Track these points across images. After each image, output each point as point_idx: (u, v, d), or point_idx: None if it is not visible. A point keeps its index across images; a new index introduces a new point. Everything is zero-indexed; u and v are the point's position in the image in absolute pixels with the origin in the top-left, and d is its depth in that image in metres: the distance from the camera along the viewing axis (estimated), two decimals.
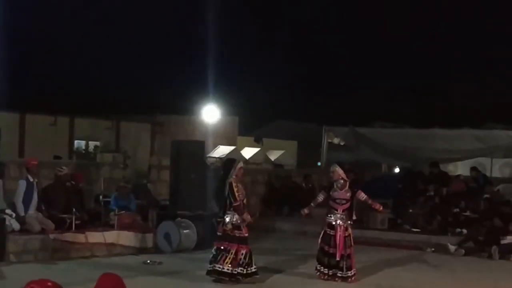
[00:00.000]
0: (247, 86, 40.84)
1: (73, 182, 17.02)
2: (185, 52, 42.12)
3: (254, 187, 22.27)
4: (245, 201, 12.09)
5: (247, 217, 11.94)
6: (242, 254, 11.78)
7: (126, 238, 16.11)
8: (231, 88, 34.90)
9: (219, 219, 12.15)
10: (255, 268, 11.95)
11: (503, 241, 16.57)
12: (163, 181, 19.61)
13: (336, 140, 24.61)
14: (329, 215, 12.71)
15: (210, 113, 27.45)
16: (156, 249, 15.53)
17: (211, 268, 11.87)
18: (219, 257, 11.76)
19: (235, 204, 11.85)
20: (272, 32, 44.82)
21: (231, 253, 11.72)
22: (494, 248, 16.42)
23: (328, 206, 12.78)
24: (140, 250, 15.49)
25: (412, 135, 22.94)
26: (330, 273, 12.56)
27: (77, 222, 15.59)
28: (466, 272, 14.53)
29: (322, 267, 12.61)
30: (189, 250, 15.58)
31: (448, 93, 41.01)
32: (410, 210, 20.24)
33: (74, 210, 15.53)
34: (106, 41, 41.24)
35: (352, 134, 23.95)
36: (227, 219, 11.83)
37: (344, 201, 12.74)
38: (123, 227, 16.43)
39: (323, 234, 12.70)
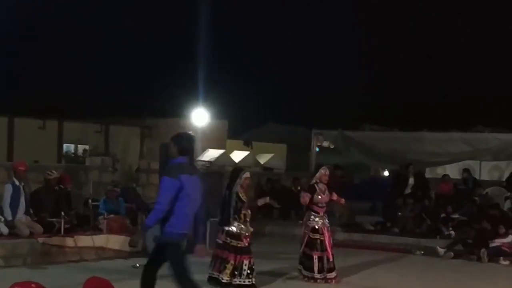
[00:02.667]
0: (236, 90, 40.84)
1: (61, 186, 16.99)
2: (175, 55, 42.13)
3: None
4: (248, 211, 12.03)
5: (261, 200, 12.47)
6: (246, 264, 11.75)
7: (115, 241, 16.07)
8: (220, 91, 34.87)
9: (220, 227, 12.05)
10: (251, 281, 11.88)
11: (492, 244, 16.62)
12: (152, 184, 19.58)
13: (325, 143, 24.62)
14: (312, 219, 12.71)
15: (199, 117, 27.42)
16: (146, 253, 15.46)
17: (212, 275, 11.82)
18: (221, 267, 11.72)
19: (246, 204, 11.89)
20: (262, 34, 44.84)
21: (230, 264, 11.70)
22: (483, 251, 16.46)
23: (309, 209, 12.77)
24: (129, 254, 15.43)
25: (401, 138, 22.98)
26: (322, 277, 12.58)
27: (66, 226, 15.55)
28: (454, 275, 14.56)
29: (313, 273, 12.60)
30: None
31: (437, 96, 41.12)
32: (399, 213, 20.29)
33: (62, 214, 15.49)
34: (96, 44, 41.17)
35: (341, 138, 23.97)
36: (230, 229, 11.80)
37: (325, 204, 12.83)
38: (112, 230, 16.41)
39: (308, 239, 12.68)
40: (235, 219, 11.77)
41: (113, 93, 37.64)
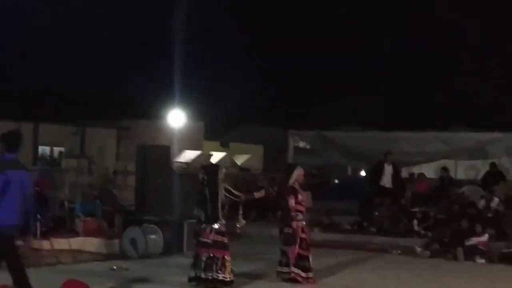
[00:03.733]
0: (213, 91, 40.79)
1: (37, 189, 16.87)
2: (151, 56, 41.96)
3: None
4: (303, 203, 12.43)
5: (259, 193, 12.85)
6: (228, 259, 11.78)
7: (92, 244, 16.00)
8: (197, 93, 34.81)
9: (204, 226, 11.99)
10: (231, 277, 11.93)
11: (468, 243, 16.72)
12: (129, 186, 19.53)
13: (301, 144, 24.64)
14: (299, 219, 12.72)
15: (176, 118, 27.37)
16: (123, 255, 15.41)
17: (210, 277, 11.71)
18: (218, 266, 11.68)
19: (242, 199, 12.06)
20: (239, 37, 44.81)
21: (226, 260, 11.70)
22: (459, 250, 16.56)
23: (294, 209, 12.75)
24: (106, 256, 15.36)
25: (378, 138, 23.06)
26: (305, 276, 12.62)
27: (42, 229, 15.43)
28: (431, 273, 14.63)
29: (301, 271, 12.61)
30: (155, 255, 15.49)
31: (413, 96, 41.33)
32: (376, 213, 20.36)
33: (39, 216, 15.37)
34: (71, 45, 40.92)
35: (318, 138, 24.01)
36: (217, 226, 11.79)
37: (304, 203, 12.87)
38: (88, 233, 16.33)
39: (300, 240, 12.68)
40: (223, 215, 11.83)
41: (89, 95, 37.45)
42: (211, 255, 11.73)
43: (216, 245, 11.76)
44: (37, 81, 37.79)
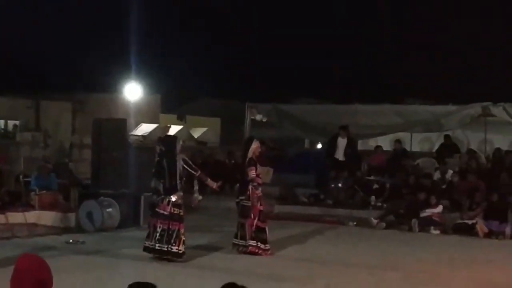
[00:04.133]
0: (169, 64, 40.53)
1: None
2: (106, 29, 41.49)
3: None
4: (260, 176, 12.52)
5: (212, 182, 12.52)
6: (183, 232, 11.79)
7: (48, 218, 15.90)
8: (153, 65, 34.58)
9: (161, 198, 11.96)
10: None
11: (423, 214, 16.94)
12: (85, 160, 19.35)
13: (258, 117, 24.63)
14: (258, 191, 12.77)
15: (132, 91, 27.17)
16: (79, 229, 15.33)
17: (165, 249, 11.72)
18: (172, 239, 11.68)
19: (198, 175, 12.05)
20: (195, 9, 44.51)
21: (181, 233, 11.71)
22: (414, 221, 16.78)
23: (253, 181, 12.77)
24: (63, 230, 15.27)
25: (334, 111, 23.15)
26: (262, 248, 12.69)
27: None
28: (387, 245, 14.81)
29: (260, 243, 12.67)
30: (112, 228, 15.44)
31: (369, 69, 41.56)
32: (332, 185, 20.50)
33: None
34: (25, 17, 40.29)
35: (275, 111, 24.02)
36: (174, 198, 11.78)
37: (261, 176, 12.96)
38: (44, 207, 16.20)
39: (256, 211, 12.71)
40: (181, 187, 11.83)
41: (44, 68, 36.95)
42: (167, 227, 11.74)
43: (173, 217, 11.78)
44: None
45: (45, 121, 27.52)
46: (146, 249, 11.94)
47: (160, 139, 12.78)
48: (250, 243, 12.63)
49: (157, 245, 11.76)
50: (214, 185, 12.99)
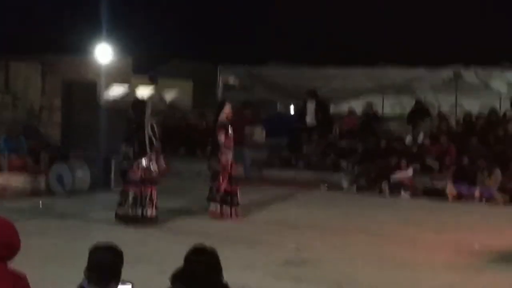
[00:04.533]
0: (141, 25, 40.11)
1: None
2: None
3: None
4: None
5: (161, 164, 11.92)
6: (155, 195, 11.75)
7: (17, 180, 15.78)
8: (125, 27, 34.16)
9: (131, 163, 11.88)
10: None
11: (393, 178, 17.04)
12: (54, 122, 19.18)
13: (231, 80, 24.54)
14: (227, 154, 12.71)
15: (103, 53, 26.86)
16: (49, 191, 15.24)
17: (139, 214, 11.69)
18: (143, 203, 11.62)
19: (157, 146, 11.86)
20: None
21: (153, 196, 11.66)
22: (385, 184, 16.88)
23: (223, 145, 12.71)
24: (32, 193, 15.17)
25: (306, 74, 23.10)
26: (233, 211, 12.69)
27: None
28: (357, 208, 14.91)
29: (225, 207, 12.66)
30: (82, 191, 15.37)
31: (341, 32, 41.45)
32: (304, 149, 20.52)
33: None
34: None
35: (247, 74, 23.95)
36: (145, 162, 11.71)
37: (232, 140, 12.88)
38: (13, 169, 16.06)
39: (225, 174, 12.67)
40: (150, 151, 11.75)
41: (13, 29, 36.43)
42: (140, 191, 11.69)
43: (144, 181, 11.72)
44: None
45: (14, 83, 27.14)
46: (118, 217, 11.86)
47: (131, 103, 12.69)
48: (216, 207, 12.64)
49: (130, 210, 11.71)
50: (161, 167, 12.26)
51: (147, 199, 11.70)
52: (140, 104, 12.39)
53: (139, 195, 11.69)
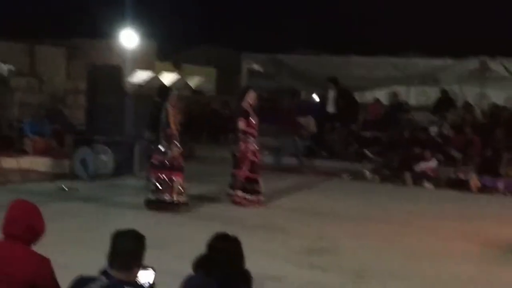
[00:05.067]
0: (166, 11, 40.16)
1: None
2: None
3: None
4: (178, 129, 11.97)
5: (174, 149, 11.82)
6: (179, 182, 11.75)
7: (41, 163, 15.89)
8: (149, 12, 34.22)
9: (154, 148, 11.96)
10: (186, 198, 11.96)
11: (417, 168, 16.96)
12: (79, 106, 19.27)
13: (255, 67, 24.52)
14: (250, 142, 12.69)
15: (128, 38, 26.95)
16: (72, 175, 15.32)
17: (154, 199, 11.73)
18: (162, 187, 11.66)
19: (171, 133, 11.78)
20: None
21: (173, 182, 11.67)
22: (407, 175, 16.81)
23: (244, 132, 12.69)
24: (56, 176, 15.26)
25: (331, 63, 23.04)
26: (255, 199, 12.69)
27: None
28: (379, 197, 14.85)
29: (248, 194, 12.67)
30: (106, 176, 15.44)
31: (366, 21, 41.27)
32: (327, 137, 20.47)
33: None
34: None
35: (271, 61, 23.91)
36: (164, 148, 11.73)
37: (256, 127, 12.84)
38: (38, 152, 16.17)
39: (251, 163, 12.66)
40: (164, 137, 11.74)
41: (39, 12, 36.63)
42: (159, 176, 11.72)
43: (164, 166, 11.74)
44: None
45: (39, 66, 27.32)
46: (145, 202, 11.89)
47: (157, 89, 12.72)
48: (236, 193, 12.66)
49: (151, 195, 11.77)
50: (175, 152, 11.89)
51: (166, 183, 11.70)
52: (165, 90, 12.39)
53: (158, 180, 11.71)
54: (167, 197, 11.70)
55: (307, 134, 19.99)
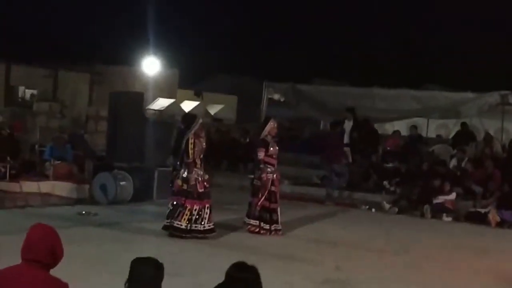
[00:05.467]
0: (188, 39, 40.49)
1: (8, 131, 16.77)
2: (126, 2, 41.46)
3: None
4: (201, 156, 12.03)
5: (192, 177, 11.83)
6: (195, 210, 11.76)
7: (62, 188, 15.99)
8: (172, 40, 34.56)
9: (174, 174, 12.04)
10: (210, 225, 11.95)
11: (436, 201, 16.91)
12: (100, 132, 19.44)
13: (276, 96, 24.61)
14: (269, 172, 12.73)
15: (151, 65, 27.20)
16: (92, 200, 15.41)
17: (168, 223, 11.80)
18: (176, 213, 11.71)
19: (187, 161, 11.83)
20: None
21: (187, 209, 11.70)
22: (426, 207, 16.76)
23: (263, 162, 12.73)
24: (76, 201, 15.35)
25: (351, 94, 23.09)
26: (272, 228, 12.70)
27: (12, 171, 15.37)
28: (398, 229, 14.80)
29: (263, 224, 12.68)
30: (125, 202, 15.51)
31: (388, 53, 41.36)
32: (347, 168, 20.44)
33: (8, 159, 15.30)
34: None
35: (292, 91, 23.99)
36: (183, 175, 11.79)
37: (276, 156, 12.88)
38: (58, 177, 16.29)
39: (268, 193, 12.67)
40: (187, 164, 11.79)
41: (63, 38, 37.01)
42: (175, 202, 11.78)
43: (180, 192, 11.78)
44: (11, 21, 37.26)
45: (62, 91, 27.58)
46: (165, 228, 11.93)
47: (182, 117, 12.81)
48: (251, 222, 12.68)
49: (165, 220, 11.82)
50: (192, 180, 11.90)
51: (179, 209, 11.73)
52: (190, 118, 12.43)
53: (174, 205, 11.75)
54: (178, 223, 11.71)
55: (347, 163, 19.91)
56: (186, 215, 11.71)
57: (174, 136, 12.26)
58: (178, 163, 12.04)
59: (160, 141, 17.14)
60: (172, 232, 11.73)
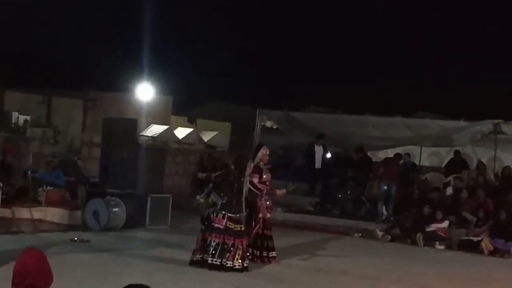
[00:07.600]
0: (182, 66, 40.58)
1: (1, 156, 16.73)
2: (120, 28, 41.61)
3: (185, 167, 22.20)
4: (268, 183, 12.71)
5: (279, 192, 13.03)
6: (239, 248, 11.69)
7: (54, 214, 15.94)
8: (166, 67, 34.60)
9: (217, 212, 11.87)
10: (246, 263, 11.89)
11: (428, 229, 16.90)
12: (94, 158, 19.42)
13: (269, 123, 24.66)
14: (264, 198, 12.71)
15: (144, 92, 27.20)
16: (84, 227, 15.37)
17: (218, 263, 11.56)
18: (225, 253, 11.61)
19: (261, 194, 12.47)
20: (209, 11, 44.58)
21: (237, 248, 11.63)
22: (419, 235, 16.75)
23: (256, 188, 12.68)
24: (68, 227, 15.30)
25: (345, 121, 23.15)
26: (265, 255, 12.66)
27: (3, 197, 15.32)
28: (390, 258, 14.78)
29: (256, 251, 12.64)
30: (117, 228, 15.46)
31: (380, 81, 41.53)
32: (339, 195, 20.47)
33: (0, 184, 15.25)
34: (40, 13, 40.41)
35: (285, 118, 24.04)
36: (233, 215, 11.73)
37: (269, 183, 12.90)
38: (51, 203, 16.24)
39: (257, 219, 12.64)
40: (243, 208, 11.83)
41: (57, 64, 37.07)
42: (222, 240, 11.62)
43: (227, 231, 11.65)
44: (4, 47, 37.33)
45: (56, 117, 27.54)
46: (195, 262, 11.81)
47: (234, 158, 12.82)
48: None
49: (209, 258, 11.65)
50: (282, 192, 13.44)
51: (229, 249, 11.60)
52: (243, 161, 12.35)
53: (221, 244, 11.62)
54: (222, 261, 11.54)
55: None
56: (239, 254, 11.63)
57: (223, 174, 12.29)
58: (229, 203, 11.86)
59: (153, 168, 17.12)
60: (226, 271, 11.54)
